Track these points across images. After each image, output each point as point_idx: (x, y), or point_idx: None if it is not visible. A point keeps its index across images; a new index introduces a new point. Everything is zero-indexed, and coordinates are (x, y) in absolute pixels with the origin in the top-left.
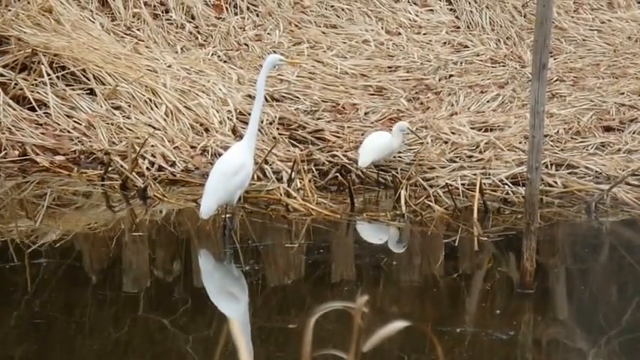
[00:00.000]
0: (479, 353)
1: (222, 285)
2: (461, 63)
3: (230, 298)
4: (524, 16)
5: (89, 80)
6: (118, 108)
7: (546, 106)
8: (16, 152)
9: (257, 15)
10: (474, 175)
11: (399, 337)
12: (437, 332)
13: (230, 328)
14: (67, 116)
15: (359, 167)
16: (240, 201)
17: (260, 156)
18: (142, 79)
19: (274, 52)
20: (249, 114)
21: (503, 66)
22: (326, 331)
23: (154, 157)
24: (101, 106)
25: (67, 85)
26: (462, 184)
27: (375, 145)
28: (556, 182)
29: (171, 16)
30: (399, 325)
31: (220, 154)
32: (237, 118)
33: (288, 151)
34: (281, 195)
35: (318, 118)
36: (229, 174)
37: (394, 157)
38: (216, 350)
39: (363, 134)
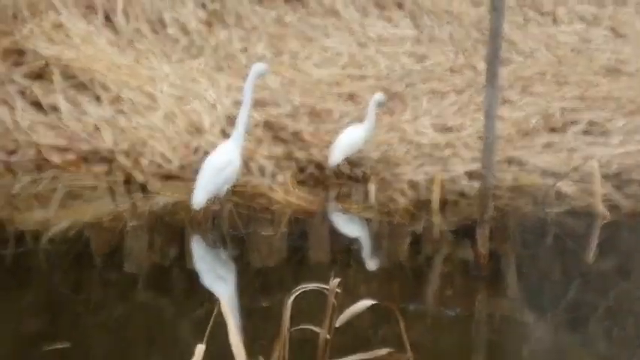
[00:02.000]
0: (438, 328)
1: (212, 268)
2: (423, 72)
3: (219, 279)
4: (479, 31)
5: (95, 87)
6: (121, 112)
7: (498, 110)
8: (32, 151)
9: (243, 29)
10: (435, 170)
11: (367, 313)
12: (401, 310)
13: (221, 307)
14: (77, 119)
15: (329, 166)
16: (228, 194)
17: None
18: (142, 87)
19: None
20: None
21: (461, 75)
22: (303, 309)
23: (153, 155)
24: (106, 111)
25: (76, 92)
26: (424, 179)
27: (345, 144)
28: (507, 177)
29: (168, 32)
30: (367, 303)
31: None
32: (225, 121)
33: (272, 150)
34: (265, 189)
35: (298, 121)
36: (217, 170)
37: (361, 155)
38: (207, 326)
39: (337, 135)
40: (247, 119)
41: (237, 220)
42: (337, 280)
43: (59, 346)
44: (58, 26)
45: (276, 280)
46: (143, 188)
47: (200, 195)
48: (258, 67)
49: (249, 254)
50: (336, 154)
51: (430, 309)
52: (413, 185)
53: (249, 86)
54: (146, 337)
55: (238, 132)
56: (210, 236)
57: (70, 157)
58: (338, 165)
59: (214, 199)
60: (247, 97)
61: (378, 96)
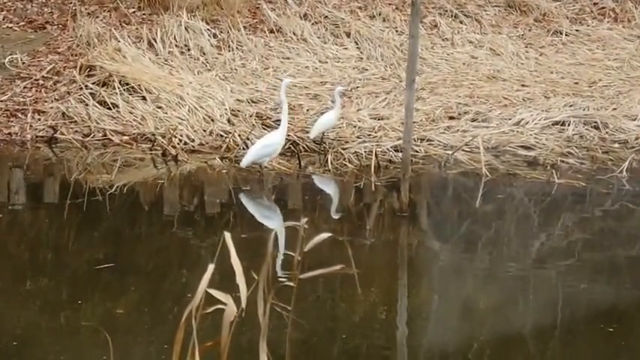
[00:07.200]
0: (373, 251)
1: (216, 206)
2: (364, 79)
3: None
4: (401, 51)
5: (142, 91)
6: (159, 107)
7: (414, 105)
8: (100, 134)
9: (242, 51)
10: (372, 145)
11: (325, 243)
12: (348, 241)
13: (225, 240)
14: (130, 112)
15: (309, 138)
16: (263, 166)
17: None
18: (173, 90)
19: (258, 76)
20: (239, 111)
21: (389, 81)
22: (283, 239)
23: (181, 136)
24: (149, 107)
25: (129, 94)
26: (365, 151)
27: (321, 124)
28: (420, 149)
29: (191, 53)
30: (325, 235)
31: (221, 136)
32: (230, 113)
33: (261, 132)
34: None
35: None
36: (263, 147)
37: (326, 134)
38: (217, 250)
39: (306, 122)
40: (286, 117)
41: (236, 178)
42: (305, 219)
43: (105, 266)
44: (117, 50)
45: (265, 217)
46: (175, 159)
47: (247, 159)
48: (286, 81)
49: (253, 193)
50: (315, 131)
51: (368, 237)
52: (357, 155)
53: (282, 94)
54: (175, 258)
55: (282, 126)
56: (216, 189)
57: (125, 137)
58: (317, 137)
59: (254, 164)
60: (284, 102)
61: (340, 87)
